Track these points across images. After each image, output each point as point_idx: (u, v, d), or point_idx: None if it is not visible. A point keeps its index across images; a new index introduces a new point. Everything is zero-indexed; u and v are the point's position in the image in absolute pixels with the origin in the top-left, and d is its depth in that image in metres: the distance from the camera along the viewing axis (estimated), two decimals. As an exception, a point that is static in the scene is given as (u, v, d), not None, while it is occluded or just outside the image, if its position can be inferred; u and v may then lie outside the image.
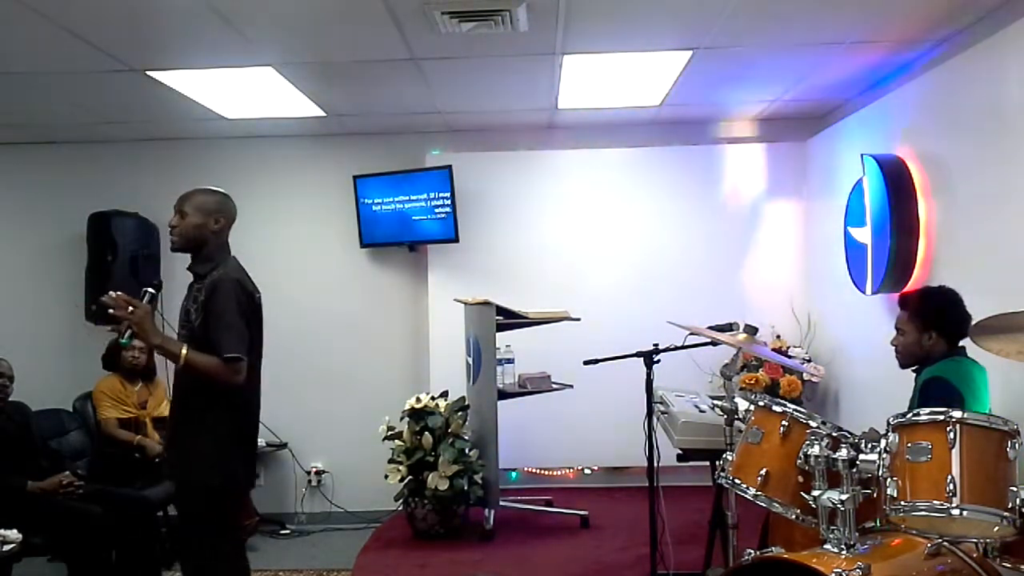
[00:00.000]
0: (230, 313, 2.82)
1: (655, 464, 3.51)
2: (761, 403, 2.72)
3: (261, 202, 5.71)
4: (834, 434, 2.46)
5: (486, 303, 4.73)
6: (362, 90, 4.73)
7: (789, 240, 5.58)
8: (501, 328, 4.78)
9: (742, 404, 3.06)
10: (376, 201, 5.60)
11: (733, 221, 5.58)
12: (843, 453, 2.36)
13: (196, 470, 2.90)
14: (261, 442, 5.40)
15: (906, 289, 3.90)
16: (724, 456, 2.83)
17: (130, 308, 2.77)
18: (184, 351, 2.79)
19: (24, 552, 3.52)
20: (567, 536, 4.77)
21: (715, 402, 3.75)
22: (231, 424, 2.91)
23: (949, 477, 2.16)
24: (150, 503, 4.40)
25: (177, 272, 5.21)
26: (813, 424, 2.53)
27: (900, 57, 4.25)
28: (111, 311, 2.78)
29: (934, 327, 3.04)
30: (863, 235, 4.32)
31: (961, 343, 3.01)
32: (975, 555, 2.30)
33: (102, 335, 5.15)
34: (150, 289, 2.91)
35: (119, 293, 2.80)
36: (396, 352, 5.76)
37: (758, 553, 2.38)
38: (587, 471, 5.72)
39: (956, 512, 2.15)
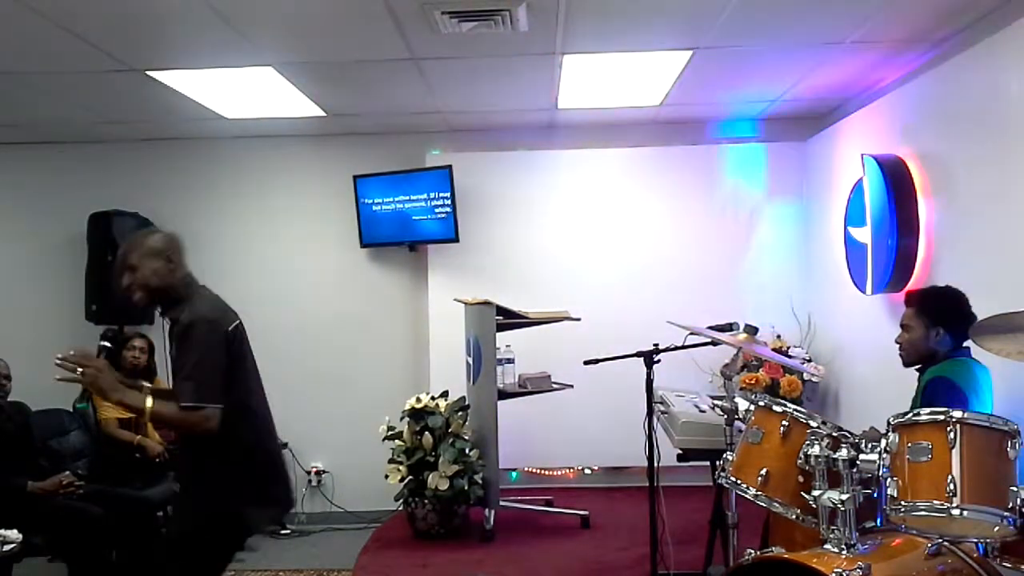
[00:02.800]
0: (194, 361, 2.59)
1: (655, 464, 3.51)
2: (761, 403, 2.71)
3: (261, 202, 5.72)
4: (834, 434, 2.45)
5: (486, 303, 4.73)
6: (362, 90, 4.73)
7: (789, 240, 5.58)
8: (501, 328, 4.79)
9: (742, 404, 3.06)
10: (376, 201, 5.60)
11: (733, 221, 5.58)
12: (843, 453, 2.36)
13: (201, 506, 2.75)
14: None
15: (908, 288, 3.90)
16: (724, 456, 2.83)
17: (79, 370, 2.52)
18: (148, 404, 2.59)
19: (24, 552, 3.52)
20: (567, 536, 4.77)
21: (715, 402, 3.76)
22: (236, 463, 2.73)
23: (949, 477, 2.16)
24: (150, 503, 4.40)
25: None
26: (813, 424, 2.52)
27: (900, 57, 4.25)
28: (57, 378, 2.55)
29: (942, 324, 3.04)
30: (863, 235, 4.32)
31: (966, 343, 3.01)
32: (975, 555, 2.30)
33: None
34: (104, 343, 2.75)
35: (71, 353, 2.55)
36: (396, 352, 5.75)
37: (758, 553, 2.38)
38: (587, 471, 5.72)
39: (956, 512, 2.14)
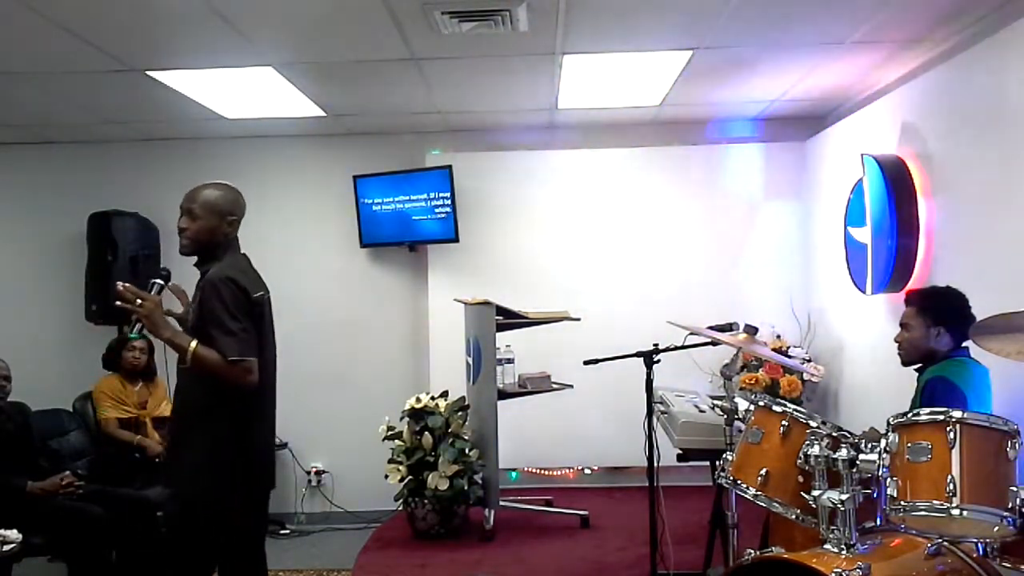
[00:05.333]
0: (223, 314, 2.68)
1: (655, 464, 3.51)
2: (761, 403, 2.71)
3: (261, 202, 5.67)
4: (834, 434, 2.45)
5: (486, 303, 4.73)
6: (362, 90, 4.73)
7: (789, 240, 5.58)
8: (501, 328, 4.79)
9: (742, 404, 3.06)
10: (376, 201, 5.60)
11: (733, 221, 5.58)
12: (843, 453, 2.36)
13: (189, 480, 2.78)
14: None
15: (908, 288, 3.90)
16: (724, 456, 2.83)
17: (139, 300, 2.67)
18: (193, 345, 2.67)
19: (24, 552, 3.52)
20: (567, 536, 4.77)
21: (715, 402, 3.75)
22: (231, 432, 2.76)
23: (949, 477, 2.16)
24: (150, 503, 4.39)
25: (178, 271, 5.24)
26: (813, 424, 2.52)
27: (900, 57, 4.25)
28: (118, 303, 2.68)
29: (942, 323, 3.04)
30: (863, 235, 4.32)
31: (965, 343, 3.02)
32: (975, 555, 2.30)
33: (102, 335, 5.15)
34: (158, 280, 2.84)
35: (128, 285, 2.70)
36: (396, 352, 5.76)
37: (758, 553, 2.38)
38: (587, 471, 5.72)
39: (956, 512, 2.14)
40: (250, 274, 2.87)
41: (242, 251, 2.96)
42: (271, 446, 3.05)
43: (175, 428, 2.95)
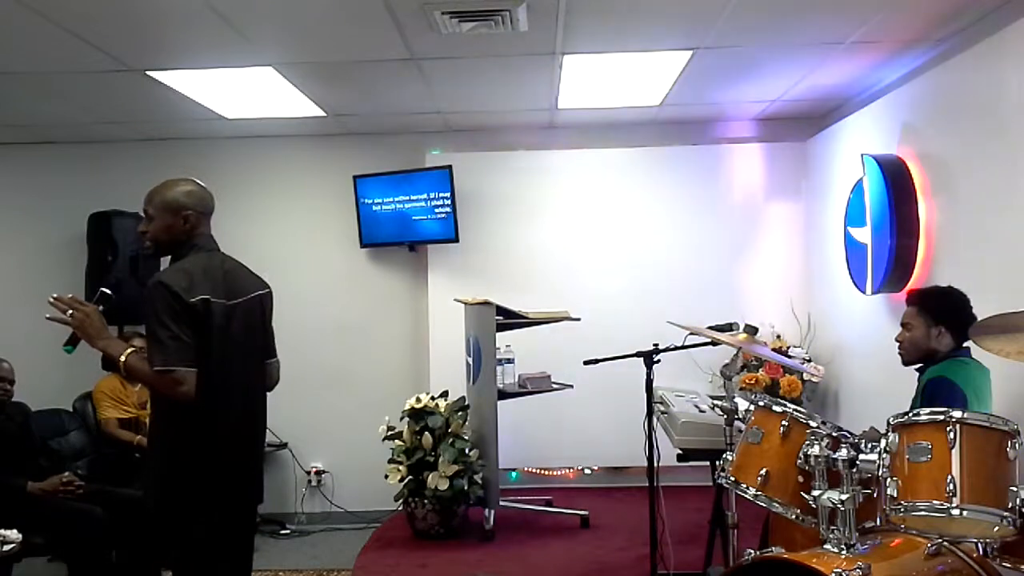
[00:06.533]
0: (153, 322, 2.52)
1: (655, 464, 3.51)
2: (761, 403, 2.71)
3: (261, 202, 5.72)
4: (834, 434, 2.46)
5: (486, 303, 4.73)
6: (362, 90, 4.73)
7: (789, 240, 5.58)
8: (501, 328, 4.79)
9: (742, 404, 3.06)
10: (376, 201, 5.60)
11: (733, 221, 5.58)
12: (843, 453, 2.36)
13: (148, 487, 2.71)
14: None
15: (908, 288, 3.90)
16: (724, 456, 2.83)
17: (70, 312, 2.56)
18: (124, 355, 2.55)
19: (24, 552, 3.51)
20: (567, 536, 4.77)
21: (715, 402, 3.76)
22: (176, 445, 2.62)
23: (949, 477, 2.16)
24: (150, 503, 4.40)
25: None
26: (813, 424, 2.52)
27: (900, 57, 4.25)
28: (48, 317, 2.57)
29: (943, 323, 3.04)
30: (863, 235, 4.32)
31: (966, 343, 3.01)
32: (975, 555, 2.30)
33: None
34: (105, 289, 2.70)
35: (70, 296, 2.60)
36: (396, 352, 5.76)
37: (758, 553, 2.38)
38: (587, 471, 5.72)
39: (956, 512, 2.14)
40: (198, 276, 2.62)
41: (217, 248, 2.79)
42: (233, 463, 2.73)
43: (149, 432, 2.88)
